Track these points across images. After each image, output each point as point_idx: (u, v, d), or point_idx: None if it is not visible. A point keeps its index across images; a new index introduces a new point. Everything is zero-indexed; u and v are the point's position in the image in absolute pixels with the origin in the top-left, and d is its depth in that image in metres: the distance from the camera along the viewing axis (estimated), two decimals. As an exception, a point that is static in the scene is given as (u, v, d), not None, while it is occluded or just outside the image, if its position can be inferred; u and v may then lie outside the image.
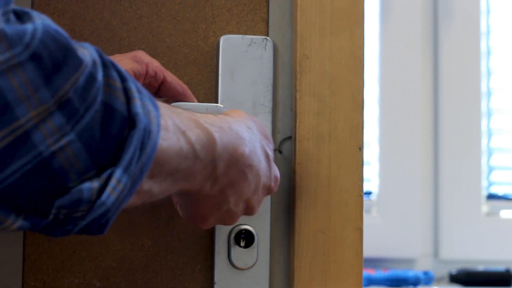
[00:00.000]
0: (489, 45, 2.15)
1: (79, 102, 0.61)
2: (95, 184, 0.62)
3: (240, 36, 0.98)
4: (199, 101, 0.97)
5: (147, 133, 0.65)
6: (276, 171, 0.88)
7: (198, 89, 0.98)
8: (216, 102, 0.98)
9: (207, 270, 0.97)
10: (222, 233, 0.96)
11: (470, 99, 2.10)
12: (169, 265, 0.97)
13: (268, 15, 1.00)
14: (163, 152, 0.69)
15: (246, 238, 0.96)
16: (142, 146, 0.65)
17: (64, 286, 0.95)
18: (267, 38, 0.99)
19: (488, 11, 2.15)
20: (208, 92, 0.99)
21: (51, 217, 0.62)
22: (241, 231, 0.96)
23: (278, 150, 0.99)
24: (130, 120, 0.64)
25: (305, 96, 0.98)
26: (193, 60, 0.99)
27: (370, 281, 1.94)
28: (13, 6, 0.61)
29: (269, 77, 0.99)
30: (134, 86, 0.66)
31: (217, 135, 0.76)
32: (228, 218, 0.85)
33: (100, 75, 0.63)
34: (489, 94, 2.14)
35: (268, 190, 0.87)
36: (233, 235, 0.96)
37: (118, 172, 0.64)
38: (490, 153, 2.13)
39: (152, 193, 0.71)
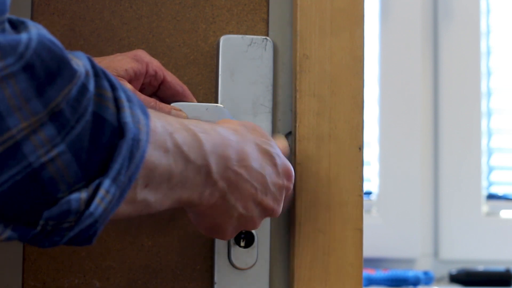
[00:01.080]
0: (489, 45, 2.15)
1: (70, 113, 0.61)
2: (83, 194, 0.62)
3: (240, 36, 0.98)
4: (199, 101, 0.97)
5: (135, 142, 0.65)
6: (286, 166, 0.86)
7: (198, 89, 0.98)
8: (216, 102, 0.98)
9: (207, 270, 0.97)
10: (222, 233, 0.96)
11: (470, 99, 2.10)
12: (169, 265, 0.97)
13: (268, 15, 1.00)
14: (151, 155, 0.68)
15: (246, 238, 0.96)
16: (131, 155, 0.64)
17: (64, 286, 0.95)
18: (267, 38, 0.99)
19: (488, 11, 2.15)
20: (208, 92, 0.99)
21: (39, 228, 0.62)
22: (241, 231, 0.96)
23: None
24: (119, 130, 0.64)
25: (305, 96, 0.98)
26: (193, 60, 0.99)
27: (370, 281, 1.94)
28: (8, 15, 0.61)
29: (269, 77, 0.99)
30: (124, 95, 0.65)
31: (202, 136, 0.75)
32: (246, 223, 0.84)
33: (92, 86, 0.63)
34: (489, 94, 2.14)
35: (282, 188, 0.85)
36: (233, 235, 0.96)
37: (106, 183, 0.63)
38: (490, 153, 2.13)
39: (149, 203, 0.70)
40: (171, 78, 0.93)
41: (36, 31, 0.60)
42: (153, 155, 0.68)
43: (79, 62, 0.63)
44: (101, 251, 0.95)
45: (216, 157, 0.76)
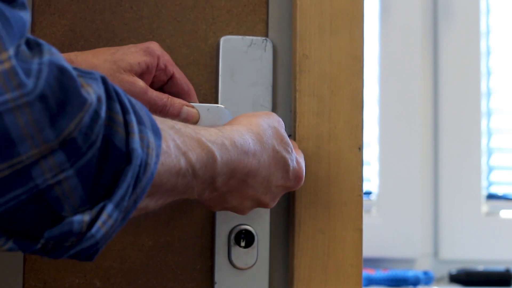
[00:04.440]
0: (489, 45, 2.15)
1: (83, 140, 0.61)
2: (86, 217, 0.63)
3: (240, 37, 0.99)
4: (199, 102, 0.97)
5: (142, 168, 0.65)
6: (297, 171, 0.88)
7: (198, 90, 0.98)
8: (216, 102, 0.98)
9: (207, 270, 0.97)
10: (222, 233, 0.97)
11: (470, 99, 2.10)
12: (169, 265, 0.97)
13: (267, 16, 1.00)
14: (161, 175, 0.69)
15: (246, 238, 0.96)
16: (136, 181, 0.65)
17: (65, 286, 0.95)
18: (267, 38, 0.99)
19: (488, 11, 2.15)
20: (208, 92, 0.99)
21: (39, 245, 0.62)
22: (241, 231, 0.96)
23: None
24: (127, 155, 0.64)
25: (305, 96, 0.98)
26: (193, 60, 0.99)
27: (370, 281, 1.94)
28: (27, 34, 0.61)
29: (268, 78, 0.99)
30: (135, 118, 0.65)
31: (218, 154, 0.77)
32: (236, 210, 0.88)
33: (103, 111, 0.63)
34: (489, 94, 2.14)
35: (285, 189, 0.88)
36: (233, 235, 0.96)
37: (109, 207, 0.64)
38: (490, 153, 2.14)
39: (148, 209, 0.73)
40: (179, 75, 0.94)
41: (48, 57, 0.61)
42: (163, 175, 0.70)
43: (90, 89, 0.62)
44: (102, 251, 0.95)
45: (226, 171, 0.79)
